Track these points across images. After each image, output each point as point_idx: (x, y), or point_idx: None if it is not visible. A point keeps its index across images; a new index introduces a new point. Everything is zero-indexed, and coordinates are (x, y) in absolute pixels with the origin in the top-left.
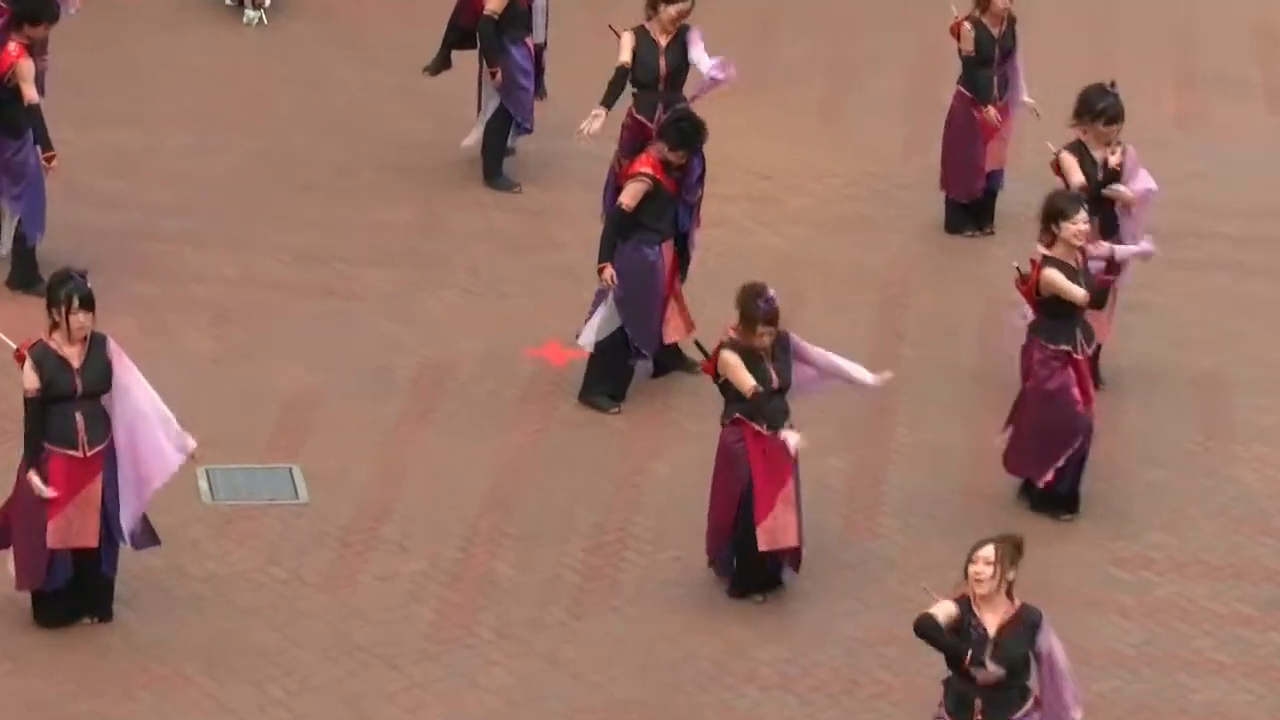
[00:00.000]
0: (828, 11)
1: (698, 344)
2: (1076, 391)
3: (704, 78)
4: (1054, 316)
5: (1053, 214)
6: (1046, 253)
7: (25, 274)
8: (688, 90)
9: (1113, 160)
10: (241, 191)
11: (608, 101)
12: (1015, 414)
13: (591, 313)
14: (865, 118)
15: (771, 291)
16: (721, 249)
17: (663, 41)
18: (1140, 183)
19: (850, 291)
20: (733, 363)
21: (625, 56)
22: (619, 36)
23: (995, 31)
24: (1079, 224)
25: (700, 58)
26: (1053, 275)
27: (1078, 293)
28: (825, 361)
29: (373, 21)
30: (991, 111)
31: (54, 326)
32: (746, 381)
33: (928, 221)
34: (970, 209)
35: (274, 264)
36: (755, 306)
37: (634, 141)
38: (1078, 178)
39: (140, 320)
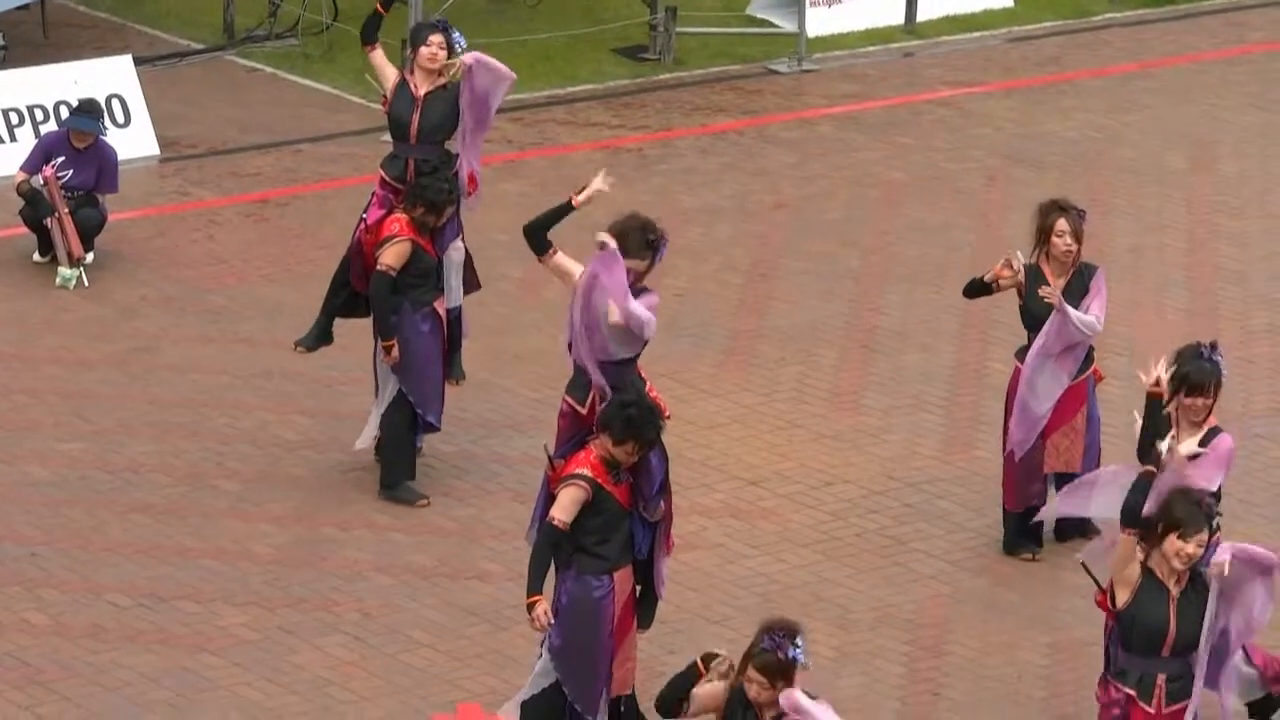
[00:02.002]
0: (837, 263)
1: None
2: None
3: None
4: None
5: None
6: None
7: None
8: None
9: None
10: (56, 511)
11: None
12: None
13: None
14: (889, 403)
15: (799, 646)
16: (700, 582)
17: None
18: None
19: (870, 637)
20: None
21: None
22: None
23: (1055, 284)
24: (1191, 545)
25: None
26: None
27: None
28: None
29: (222, 279)
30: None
31: None
32: None
33: (974, 543)
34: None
35: (100, 606)
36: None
37: None
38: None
39: None
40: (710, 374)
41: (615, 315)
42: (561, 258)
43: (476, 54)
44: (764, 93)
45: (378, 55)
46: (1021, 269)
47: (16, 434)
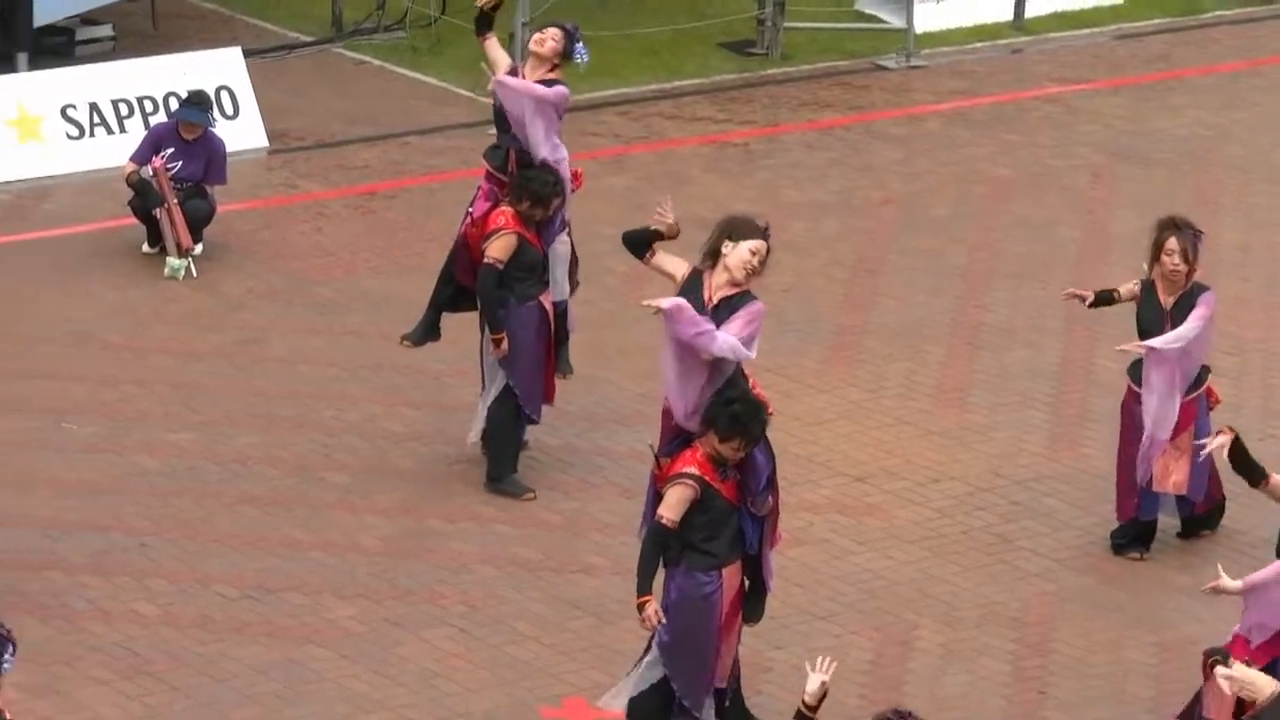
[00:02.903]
0: (943, 259)
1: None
2: None
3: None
4: None
5: None
6: None
7: None
8: None
9: None
10: (165, 502)
11: None
12: None
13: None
14: (996, 400)
15: None
16: (806, 577)
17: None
18: None
19: (976, 635)
20: None
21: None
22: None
23: (1165, 300)
24: None
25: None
26: None
27: None
28: None
29: (329, 271)
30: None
31: None
32: None
33: (1080, 541)
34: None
35: (208, 597)
36: None
37: None
38: None
39: (26, 675)
40: (817, 369)
41: (710, 354)
42: (662, 256)
43: (499, 78)
44: (871, 88)
45: (490, 43)
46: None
47: (126, 424)
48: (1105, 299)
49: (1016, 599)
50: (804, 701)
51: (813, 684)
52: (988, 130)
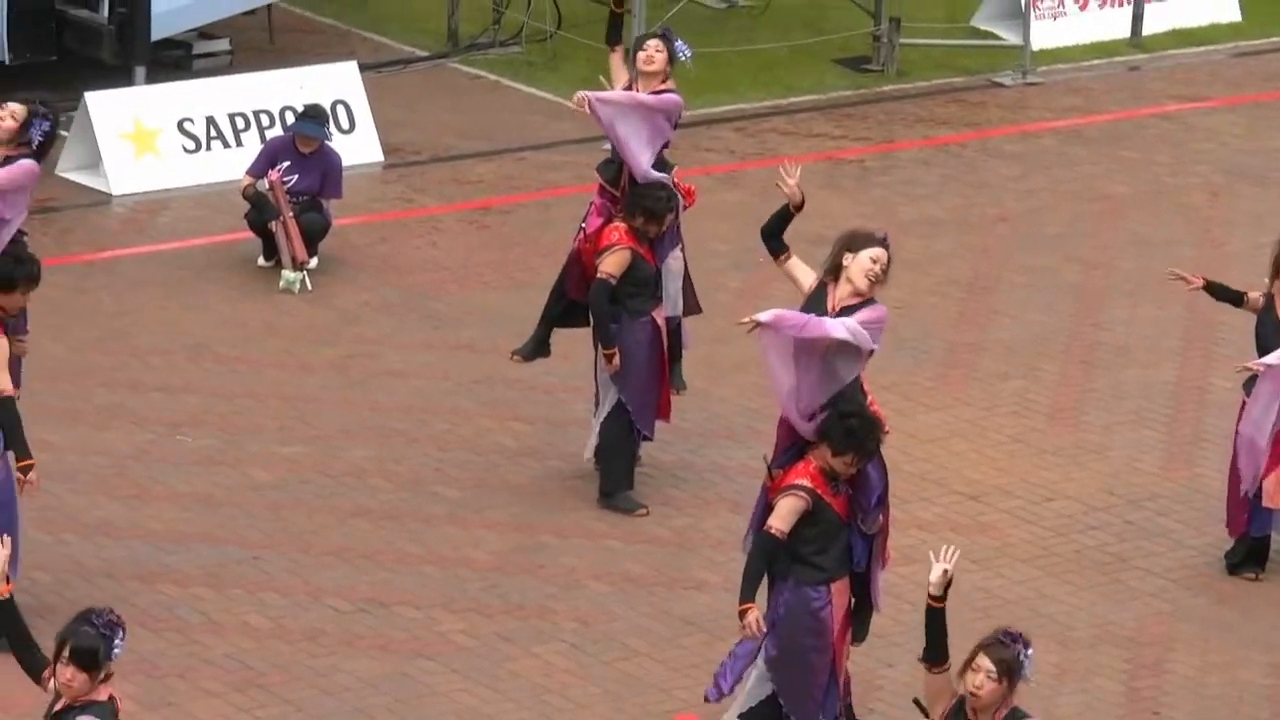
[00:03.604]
0: (1058, 276)
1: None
2: None
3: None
4: None
5: None
6: None
7: None
8: None
9: None
10: (277, 515)
11: None
12: None
13: (734, 674)
14: (1110, 419)
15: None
16: (918, 595)
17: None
18: None
19: (1089, 654)
20: None
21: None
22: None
23: None
24: None
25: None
26: None
27: None
28: None
29: (443, 285)
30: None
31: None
32: None
33: (1195, 560)
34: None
35: (320, 610)
36: None
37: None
38: None
39: (139, 687)
40: (930, 387)
41: (831, 338)
42: (795, 262)
43: (593, 93)
44: (987, 105)
45: (616, 57)
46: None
47: (239, 437)
48: (1223, 292)
49: (1130, 619)
50: (930, 594)
51: (935, 573)
52: (1104, 147)
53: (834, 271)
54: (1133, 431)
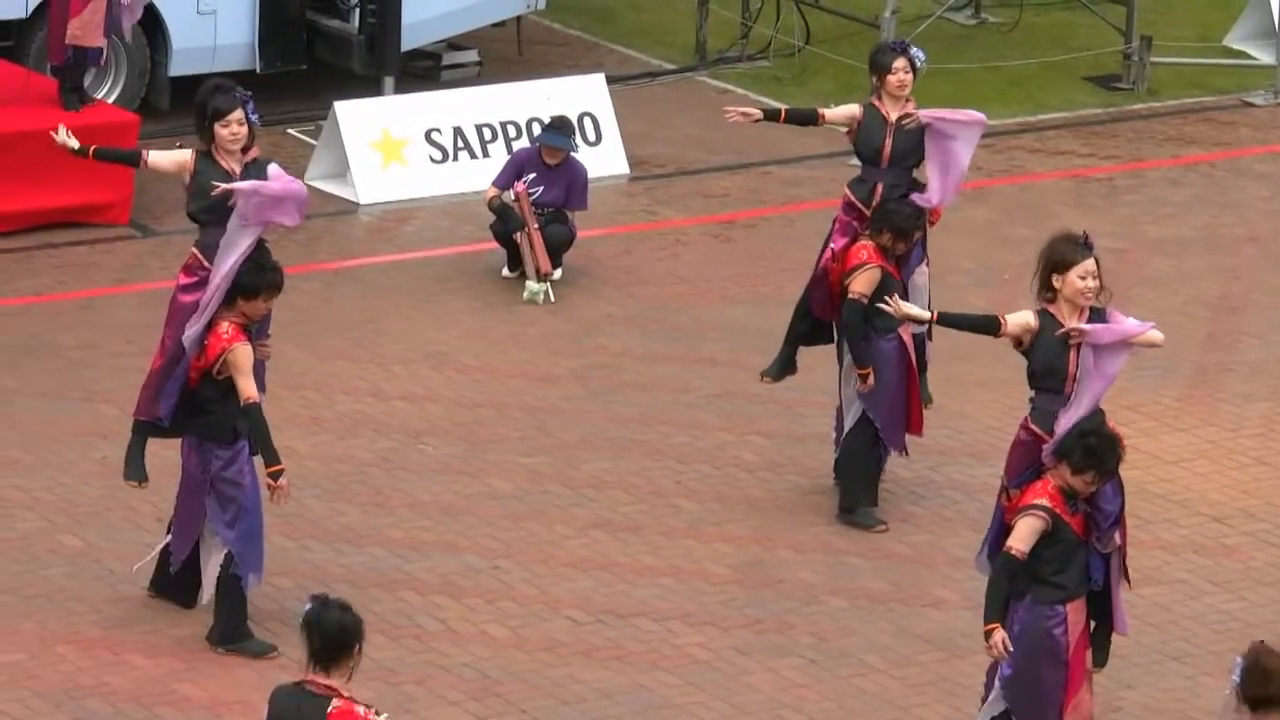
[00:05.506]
0: None
1: None
2: None
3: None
4: None
5: None
6: None
7: (232, 628)
8: None
9: None
10: (517, 525)
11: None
12: None
13: (984, 696)
14: None
15: None
16: (1159, 617)
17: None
18: None
19: None
20: None
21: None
22: None
23: None
24: None
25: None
26: None
27: None
28: None
29: (685, 298)
30: None
31: None
32: None
33: None
34: None
35: (558, 621)
36: None
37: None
38: None
39: (377, 694)
40: (1175, 408)
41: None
42: (830, 111)
43: (933, 111)
44: (1238, 124)
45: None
46: None
47: (481, 447)
48: None
49: None
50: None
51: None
52: None
53: (1049, 291)
54: None
